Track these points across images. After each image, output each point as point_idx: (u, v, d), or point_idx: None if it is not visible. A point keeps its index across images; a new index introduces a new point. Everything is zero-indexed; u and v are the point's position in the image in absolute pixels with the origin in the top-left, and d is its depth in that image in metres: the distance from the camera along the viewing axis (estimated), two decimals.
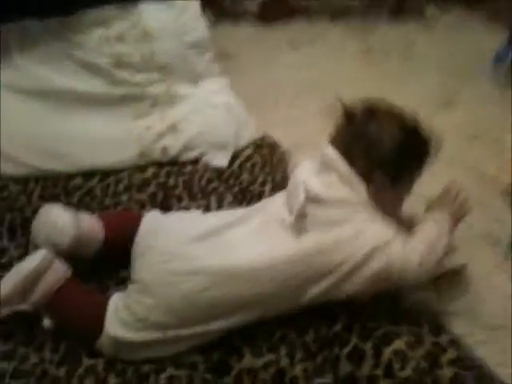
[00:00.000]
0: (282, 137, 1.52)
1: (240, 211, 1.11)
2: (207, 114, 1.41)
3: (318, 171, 1.03)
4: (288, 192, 1.06)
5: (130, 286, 0.99)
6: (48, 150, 1.34)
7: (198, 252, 0.98)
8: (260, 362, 0.97)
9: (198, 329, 0.96)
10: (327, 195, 0.99)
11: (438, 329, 1.03)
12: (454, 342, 0.99)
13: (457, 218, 1.06)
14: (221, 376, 0.95)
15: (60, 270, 1.00)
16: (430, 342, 0.98)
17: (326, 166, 1.02)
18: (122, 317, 0.95)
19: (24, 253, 1.12)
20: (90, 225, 1.08)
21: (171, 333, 0.95)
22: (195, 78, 1.46)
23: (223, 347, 0.98)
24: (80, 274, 1.04)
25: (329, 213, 0.99)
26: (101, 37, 1.46)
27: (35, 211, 1.20)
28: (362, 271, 0.96)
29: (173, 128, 1.38)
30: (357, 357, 0.97)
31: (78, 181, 1.33)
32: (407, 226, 1.13)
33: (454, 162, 1.45)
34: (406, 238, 1.00)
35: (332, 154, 1.02)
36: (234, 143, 1.41)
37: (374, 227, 0.99)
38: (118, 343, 0.95)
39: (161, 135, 1.37)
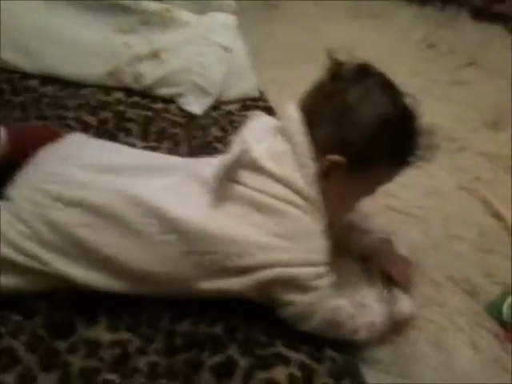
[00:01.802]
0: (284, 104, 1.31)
1: (171, 159, 0.93)
2: (199, 51, 1.22)
3: (269, 134, 0.83)
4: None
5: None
6: (16, 41, 1.19)
7: (91, 182, 0.80)
8: (108, 337, 0.78)
9: (60, 266, 0.77)
10: (269, 166, 0.78)
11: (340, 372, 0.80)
12: None
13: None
14: (57, 337, 0.78)
15: None
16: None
17: (280, 130, 0.82)
18: None
19: None
20: None
21: (25, 256, 0.77)
22: (202, 9, 1.26)
23: (77, 308, 0.80)
24: None
25: (261, 190, 0.78)
26: None
27: None
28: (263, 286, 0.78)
29: (155, 55, 1.20)
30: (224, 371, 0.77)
31: (33, 83, 1.20)
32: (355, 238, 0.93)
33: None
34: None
35: (293, 115, 0.80)
36: (217, 92, 1.21)
37: (306, 246, 0.78)
38: None
39: (139, 58, 1.19)
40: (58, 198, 0.78)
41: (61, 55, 1.19)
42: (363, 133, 0.78)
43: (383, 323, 0.86)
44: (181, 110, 1.21)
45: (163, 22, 1.22)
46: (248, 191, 0.78)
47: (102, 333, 0.78)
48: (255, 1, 1.64)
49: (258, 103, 1.26)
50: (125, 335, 0.79)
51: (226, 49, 1.22)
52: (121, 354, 0.76)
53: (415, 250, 1.03)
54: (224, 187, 0.78)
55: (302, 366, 0.79)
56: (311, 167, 0.78)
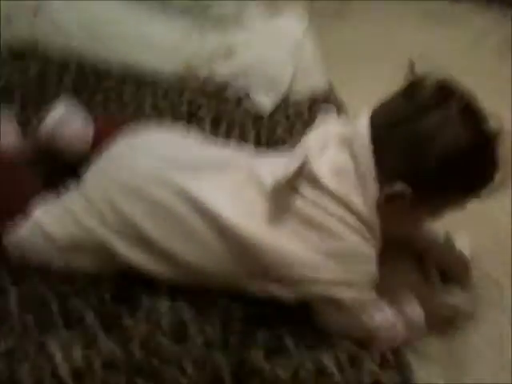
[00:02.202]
0: (351, 103, 1.31)
1: (237, 156, 0.92)
2: (270, 48, 1.25)
3: (335, 142, 0.80)
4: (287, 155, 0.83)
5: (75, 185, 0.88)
6: (98, 32, 1.27)
7: (157, 175, 0.82)
8: (167, 305, 0.82)
9: (128, 253, 0.81)
10: (329, 183, 0.76)
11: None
12: None
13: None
14: (120, 302, 0.82)
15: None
16: None
17: (347, 142, 0.78)
18: (52, 210, 0.84)
19: None
20: (72, 131, 0.96)
21: (95, 240, 0.81)
22: (275, 8, 1.29)
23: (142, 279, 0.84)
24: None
25: (318, 205, 0.76)
26: None
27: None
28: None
29: (228, 52, 1.24)
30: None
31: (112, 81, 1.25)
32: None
33: None
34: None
35: (362, 131, 0.76)
36: (287, 88, 1.24)
37: (353, 269, 0.78)
38: (38, 236, 0.82)
39: (212, 56, 1.25)
40: (124, 187, 0.81)
41: (138, 52, 1.26)
42: (436, 166, 0.73)
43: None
44: (251, 106, 1.24)
45: (237, 20, 1.27)
46: (304, 205, 0.76)
47: (161, 301, 0.82)
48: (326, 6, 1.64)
49: (328, 98, 1.27)
50: (182, 305, 0.82)
51: (297, 46, 1.25)
52: (177, 321, 0.80)
53: (479, 249, 1.01)
54: (281, 198, 0.77)
55: (347, 350, 0.80)
56: (373, 191, 0.75)
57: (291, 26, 1.27)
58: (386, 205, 0.76)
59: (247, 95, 1.26)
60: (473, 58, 1.65)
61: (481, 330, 0.91)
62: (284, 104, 1.24)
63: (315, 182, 0.76)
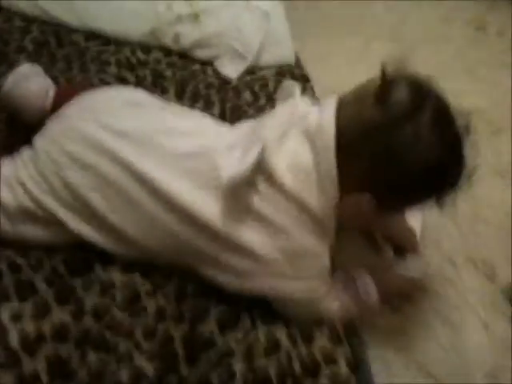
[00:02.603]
0: (322, 77, 1.30)
1: (201, 124, 0.89)
2: (237, 15, 1.22)
3: (296, 131, 0.76)
4: (245, 136, 0.79)
5: (25, 149, 0.85)
6: None
7: (105, 148, 0.79)
8: (121, 278, 0.82)
9: (74, 224, 0.80)
10: (285, 181, 0.73)
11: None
12: None
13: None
14: (74, 274, 0.82)
15: None
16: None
17: (309, 137, 0.75)
18: (3, 172, 0.82)
19: None
20: (32, 88, 0.93)
21: (45, 211, 0.80)
22: None
23: (96, 250, 0.82)
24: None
25: (271, 203, 0.74)
26: None
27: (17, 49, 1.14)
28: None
29: (195, 17, 1.21)
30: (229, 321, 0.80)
31: (77, 37, 1.23)
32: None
33: None
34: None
35: (328, 130, 0.72)
36: (253, 57, 1.22)
37: (303, 265, 0.77)
38: None
39: (179, 19, 1.21)
40: (75, 160, 0.79)
41: (105, 13, 1.22)
42: (403, 179, 0.72)
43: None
44: (216, 72, 1.22)
45: None
46: (259, 201, 0.74)
47: (116, 274, 0.82)
48: None
49: (294, 71, 1.26)
50: (138, 279, 0.82)
51: (265, 14, 1.22)
52: (132, 294, 0.80)
53: (438, 231, 1.03)
54: (237, 192, 0.74)
55: (302, 326, 0.81)
56: (333, 194, 0.73)
57: None
58: (346, 208, 0.74)
59: (212, 63, 1.23)
60: (442, 34, 1.65)
61: (434, 306, 0.93)
62: (249, 75, 1.22)
63: (271, 179, 0.74)
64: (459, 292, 0.95)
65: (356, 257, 0.92)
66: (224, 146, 0.79)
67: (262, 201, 0.74)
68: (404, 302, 0.91)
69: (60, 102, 0.91)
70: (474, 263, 1.01)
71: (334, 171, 0.72)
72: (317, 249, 0.77)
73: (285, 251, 0.75)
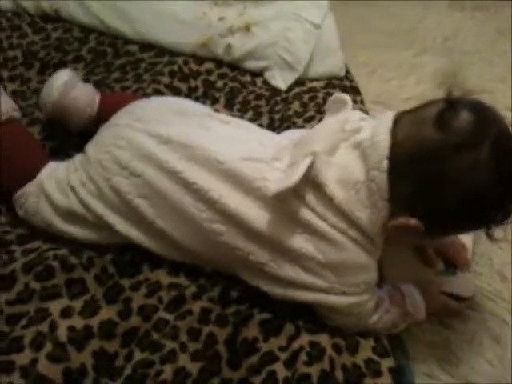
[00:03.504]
0: (371, 89, 1.31)
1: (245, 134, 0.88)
2: (288, 26, 1.24)
3: (347, 148, 0.75)
4: (293, 147, 0.78)
5: (78, 154, 0.88)
6: (121, 9, 1.28)
7: (154, 156, 0.80)
8: (169, 280, 0.83)
9: (122, 228, 0.82)
10: (336, 194, 0.72)
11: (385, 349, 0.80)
12: None
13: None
14: (123, 275, 0.84)
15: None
16: None
17: (361, 152, 0.72)
18: (57, 174, 0.86)
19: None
20: (81, 97, 0.97)
21: (93, 215, 0.82)
22: None
23: (145, 252, 0.84)
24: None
25: (320, 215, 0.73)
26: None
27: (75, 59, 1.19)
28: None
29: (246, 28, 1.23)
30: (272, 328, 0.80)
31: (133, 48, 1.27)
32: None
33: None
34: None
35: (383, 148, 0.70)
36: (303, 68, 1.23)
37: (349, 281, 0.76)
38: (42, 201, 0.85)
39: (231, 31, 1.23)
40: (125, 167, 0.81)
41: (160, 25, 1.26)
42: (456, 209, 0.69)
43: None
44: (266, 83, 1.24)
45: None
46: (307, 214, 0.73)
47: (163, 276, 0.83)
48: None
49: (344, 82, 1.26)
50: (184, 281, 0.83)
51: (315, 26, 1.23)
52: (178, 296, 0.81)
53: (489, 245, 1.00)
54: (285, 203, 0.74)
55: (347, 337, 0.80)
56: (383, 213, 0.71)
57: (310, 5, 1.25)
58: (394, 229, 0.72)
59: (262, 74, 1.25)
60: (496, 47, 1.62)
61: (482, 321, 0.91)
62: (298, 86, 1.23)
63: (320, 191, 0.73)
64: (509, 308, 0.92)
65: (406, 271, 0.91)
66: (270, 156, 0.78)
67: (311, 214, 0.73)
68: (452, 316, 0.89)
69: (105, 109, 0.95)
70: None
71: (385, 189, 0.70)
72: (365, 262, 0.75)
73: (333, 264, 0.74)
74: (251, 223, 0.75)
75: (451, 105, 0.69)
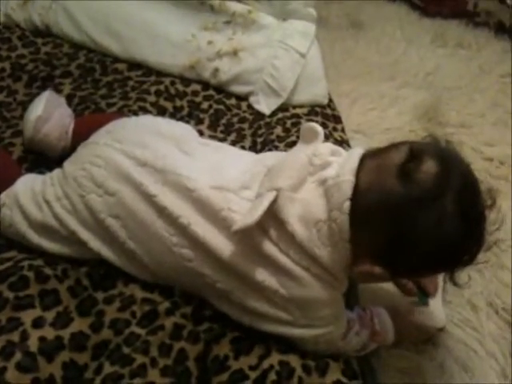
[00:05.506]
0: (352, 119, 1.34)
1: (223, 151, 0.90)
2: (274, 54, 1.26)
3: (312, 186, 0.74)
4: (263, 177, 0.77)
5: (56, 169, 0.89)
6: (113, 28, 1.30)
7: (128, 177, 0.80)
8: (142, 295, 0.84)
9: (94, 245, 0.82)
10: (297, 230, 0.72)
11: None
12: None
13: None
14: (97, 288, 0.84)
15: None
16: None
17: (326, 191, 0.72)
18: (33, 187, 0.87)
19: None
20: (53, 132, 0.99)
21: (67, 230, 0.83)
22: (283, 14, 1.31)
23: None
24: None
25: (283, 253, 0.73)
26: None
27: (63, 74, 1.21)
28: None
29: (234, 53, 1.26)
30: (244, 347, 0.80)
31: (121, 66, 1.29)
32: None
33: None
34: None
35: (346, 191, 0.69)
36: (288, 95, 1.26)
37: (312, 315, 0.76)
38: (15, 213, 0.85)
39: (219, 55, 1.26)
40: (100, 185, 0.81)
41: (149, 45, 1.28)
42: (419, 259, 0.69)
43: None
44: (251, 107, 1.27)
45: (245, 23, 1.28)
46: (271, 247, 0.74)
47: (137, 290, 0.84)
48: (342, 18, 1.68)
49: (327, 110, 1.29)
50: (157, 297, 0.84)
51: (301, 55, 1.26)
52: (151, 311, 0.81)
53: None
54: (248, 236, 0.74)
55: (317, 358, 0.80)
56: (345, 255, 0.72)
57: (297, 34, 1.28)
58: (358, 272, 0.73)
59: (247, 98, 1.27)
60: (476, 85, 1.67)
61: (452, 350, 0.92)
62: (282, 112, 1.26)
63: (282, 227, 0.73)
64: (478, 337, 0.94)
65: (378, 295, 0.92)
66: (241, 184, 0.78)
67: (275, 247, 0.74)
68: (422, 342, 0.90)
69: (79, 137, 0.95)
70: (495, 309, 0.99)
71: (346, 231, 0.70)
72: (329, 298, 0.76)
73: (296, 299, 0.75)
74: (218, 252, 0.76)
75: (414, 155, 0.69)
